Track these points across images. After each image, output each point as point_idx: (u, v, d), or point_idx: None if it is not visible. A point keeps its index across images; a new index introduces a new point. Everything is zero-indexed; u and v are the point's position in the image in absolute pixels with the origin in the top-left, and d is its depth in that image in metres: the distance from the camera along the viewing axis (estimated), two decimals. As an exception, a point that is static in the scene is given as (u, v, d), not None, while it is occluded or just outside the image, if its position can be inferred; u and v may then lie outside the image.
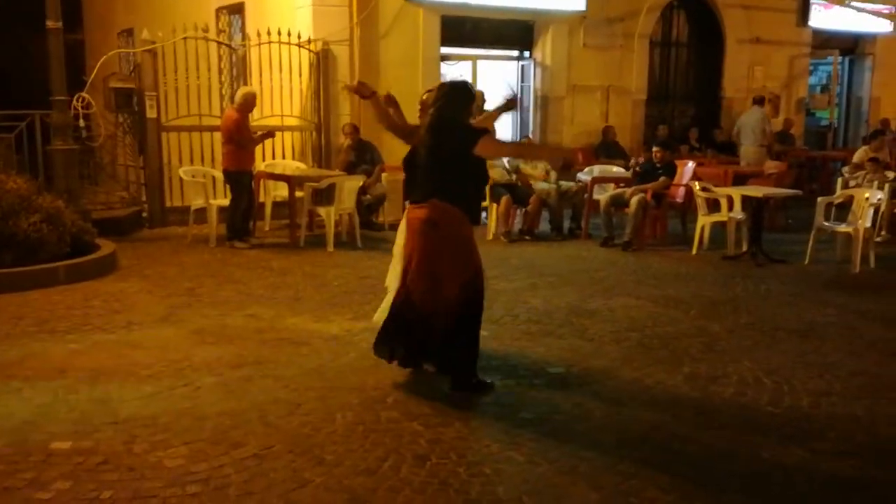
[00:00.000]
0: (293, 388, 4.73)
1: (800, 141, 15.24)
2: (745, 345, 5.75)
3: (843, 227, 8.61)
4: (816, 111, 16.91)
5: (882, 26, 15.79)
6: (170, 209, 10.22)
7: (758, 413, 4.51)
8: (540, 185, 10.07)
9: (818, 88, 17.46)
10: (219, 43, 11.08)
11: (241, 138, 8.69)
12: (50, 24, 8.51)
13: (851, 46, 16.42)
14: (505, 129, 12.40)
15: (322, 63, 10.96)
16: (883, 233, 9.62)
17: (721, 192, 9.31)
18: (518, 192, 9.96)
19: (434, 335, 4.61)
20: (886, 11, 15.24)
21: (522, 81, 12.95)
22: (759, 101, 13.09)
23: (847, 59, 16.68)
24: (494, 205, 9.86)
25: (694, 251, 9.09)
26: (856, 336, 6.01)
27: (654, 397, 4.74)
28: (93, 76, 10.00)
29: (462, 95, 4.70)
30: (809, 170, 14.23)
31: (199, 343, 5.53)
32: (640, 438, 4.15)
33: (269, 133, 9.11)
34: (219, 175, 9.52)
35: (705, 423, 4.35)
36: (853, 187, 10.29)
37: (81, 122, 9.58)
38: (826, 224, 8.69)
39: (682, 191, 10.24)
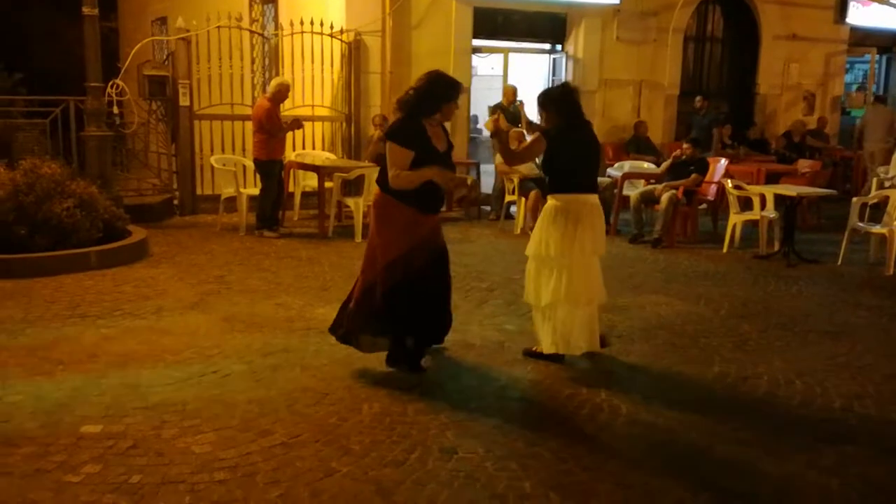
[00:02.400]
0: (321, 377, 4.75)
1: (834, 139, 15.00)
2: (776, 345, 5.69)
3: (877, 228, 8.47)
4: (852, 110, 16.64)
5: (921, 24, 15.50)
6: (200, 197, 10.31)
7: (789, 415, 4.46)
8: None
9: (854, 87, 17.19)
10: (252, 32, 11.14)
11: (272, 127, 8.73)
12: (86, 10, 8.59)
13: (889, 44, 16.14)
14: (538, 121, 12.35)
15: (354, 53, 10.98)
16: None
17: (754, 190, 9.20)
18: (546, 185, 9.89)
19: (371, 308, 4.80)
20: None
21: (554, 75, 12.87)
22: (881, 100, 13.01)
23: (884, 58, 16.37)
24: (523, 199, 9.82)
25: (725, 249, 9.00)
26: (889, 339, 5.92)
27: (684, 396, 4.69)
28: (127, 63, 10.10)
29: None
30: (844, 169, 14.00)
31: (228, 330, 5.57)
32: (669, 437, 4.11)
33: (297, 123, 9.13)
34: (249, 164, 9.58)
35: (735, 423, 4.30)
36: (889, 187, 10.14)
37: (115, 109, 9.68)
38: (860, 224, 8.55)
39: (713, 188, 10.13)
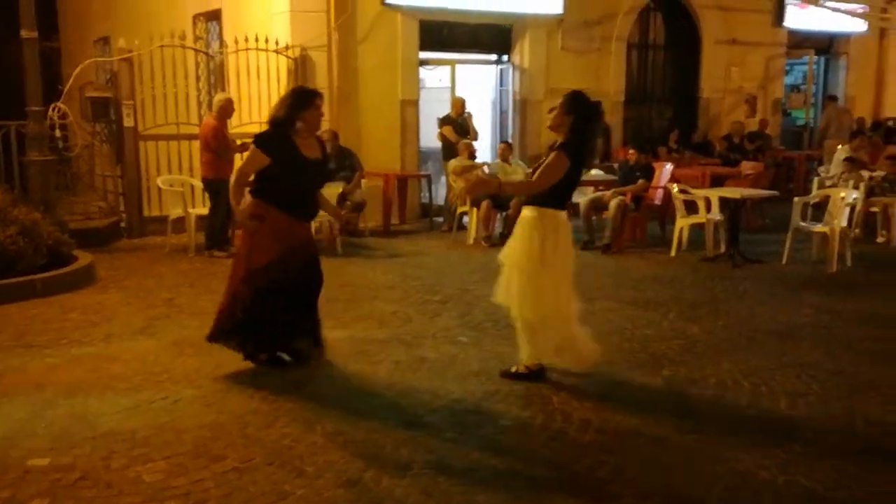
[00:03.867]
0: (272, 399, 4.71)
1: (776, 141, 15.35)
2: (723, 347, 5.80)
3: (819, 227, 8.70)
4: (793, 111, 17.05)
5: (856, 26, 15.96)
6: (148, 219, 10.18)
7: (737, 415, 4.55)
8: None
9: (793, 88, 17.61)
10: (196, 50, 11.03)
11: (220, 146, 8.66)
12: (25, 33, 8.45)
13: (826, 46, 16.57)
14: (485, 133, 12.45)
15: (300, 69, 10.94)
16: (856, 230, 9.72)
17: (699, 193, 9.37)
18: (498, 195, 9.96)
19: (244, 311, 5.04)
20: (860, 11, 15.40)
21: (501, 85, 12.98)
22: (834, 99, 14.35)
23: (822, 59, 16.82)
24: (475, 209, 9.88)
25: (673, 253, 9.15)
26: (832, 336, 6.07)
27: (634, 400, 4.76)
28: (68, 86, 9.96)
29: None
30: (786, 170, 14.35)
31: (178, 355, 5.50)
32: (620, 442, 4.17)
33: (246, 145, 9.08)
34: (197, 184, 9.49)
35: (685, 425, 4.38)
36: (829, 187, 10.42)
37: (58, 133, 9.52)
38: (803, 224, 8.77)
39: (660, 193, 10.30)
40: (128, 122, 9.92)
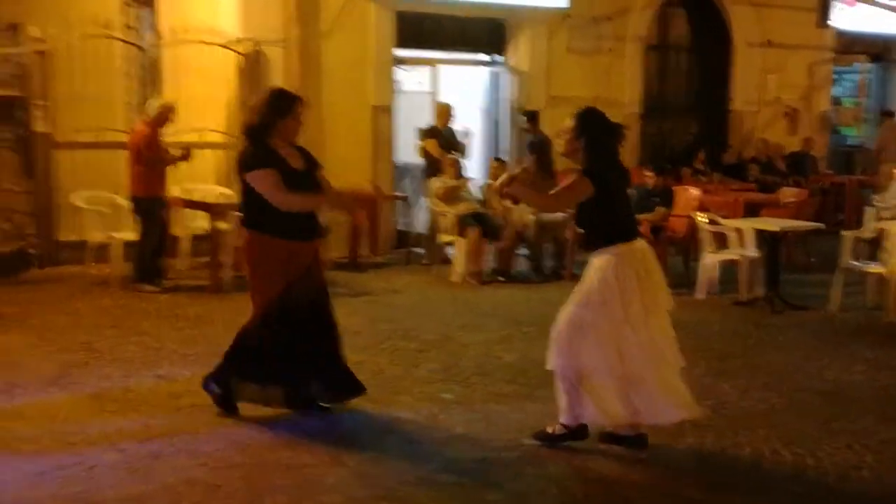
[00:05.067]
0: (212, 465, 4.69)
1: (823, 163, 15.57)
2: (759, 409, 5.84)
3: (874, 267, 8.79)
4: (842, 128, 17.31)
5: (915, 28, 16.29)
6: (63, 244, 10.14)
7: (777, 492, 4.58)
8: (514, 216, 10.16)
9: (841, 101, 17.91)
10: (125, 42, 11.06)
11: (153, 158, 8.69)
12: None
13: (881, 51, 16.88)
14: (476, 147, 12.54)
15: (252, 67, 11.01)
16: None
17: (730, 224, 9.47)
18: (489, 223, 10.06)
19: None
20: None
21: (494, 91, 13.11)
22: (889, 114, 14.74)
23: (876, 67, 17.11)
24: (461, 239, 9.93)
25: (700, 295, 9.22)
26: (889, 398, 6.13)
27: (651, 475, 4.77)
28: (-35, 83, 9.92)
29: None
30: (835, 197, 14.53)
31: (97, 411, 5.49)
32: (635, 524, 4.17)
33: (186, 154, 9.11)
34: (124, 203, 9.48)
35: (715, 502, 4.38)
36: (886, 219, 10.54)
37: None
38: (854, 263, 8.85)
39: (684, 223, 10.39)
40: (39, 126, 9.92)
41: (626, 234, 4.98)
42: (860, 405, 5.92)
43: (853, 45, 16.18)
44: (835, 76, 16.64)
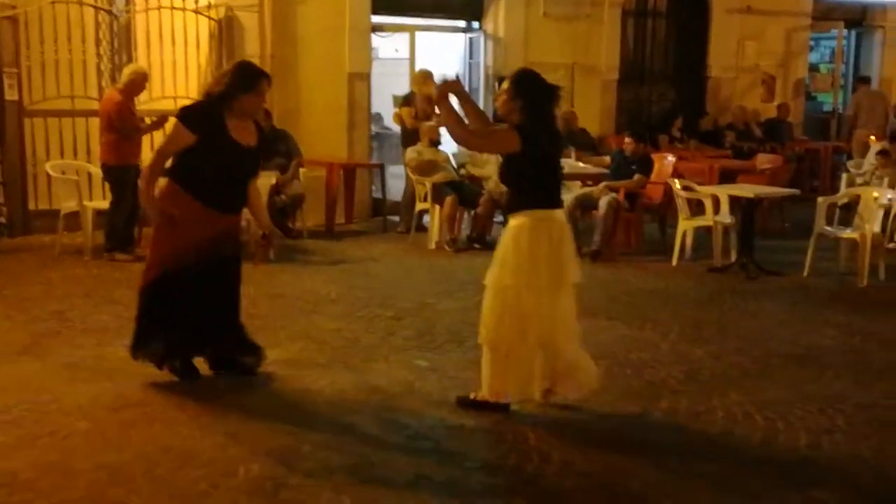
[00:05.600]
0: (186, 434, 4.69)
1: (798, 129, 15.63)
2: (732, 374, 5.89)
3: (847, 233, 8.86)
4: (818, 94, 17.36)
5: (894, -6, 16.31)
6: (34, 213, 10.07)
7: (748, 455, 4.63)
8: (491, 184, 10.14)
9: (819, 67, 17.95)
10: (96, 8, 10.92)
11: (125, 126, 8.60)
12: None
13: (859, 18, 16.90)
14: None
15: (225, 33, 10.91)
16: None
17: (705, 191, 9.51)
18: (465, 191, 10.05)
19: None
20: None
21: (471, 57, 13.06)
22: (866, 80, 15.07)
23: (853, 33, 17.14)
24: (437, 207, 9.92)
25: (674, 262, 9.27)
26: (862, 362, 6.20)
27: (626, 438, 4.82)
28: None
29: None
30: (810, 164, 14.61)
31: (69, 380, 5.45)
32: (608, 490, 4.21)
33: (161, 120, 9.01)
34: (96, 171, 9.41)
35: (687, 468, 4.44)
36: (860, 185, 10.64)
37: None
38: (828, 229, 8.92)
39: (660, 190, 10.42)
40: (10, 94, 9.79)
41: (548, 201, 4.99)
42: (833, 370, 5.98)
43: (831, 12, 16.18)
44: (811, 43, 16.66)
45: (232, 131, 5.18)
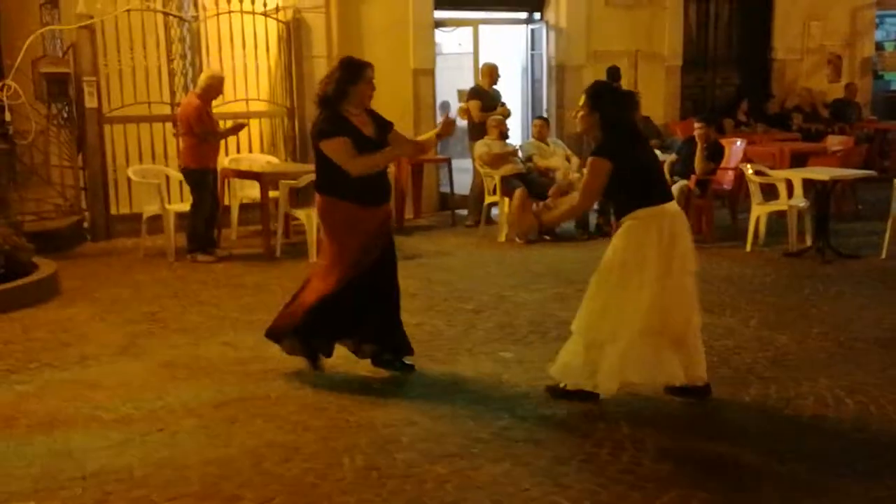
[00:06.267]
0: (289, 428, 4.84)
1: (867, 110, 15.40)
2: (819, 358, 5.89)
3: (927, 213, 8.74)
4: (885, 73, 17.06)
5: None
6: (116, 217, 10.32)
7: (843, 440, 4.65)
8: (559, 175, 10.17)
9: (884, 46, 17.61)
10: (169, 15, 11.17)
11: (204, 130, 8.79)
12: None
13: (924, -7, 16.59)
14: (515, 106, 12.54)
15: (293, 35, 11.08)
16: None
17: (778, 175, 9.45)
18: (534, 183, 10.09)
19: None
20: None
21: (533, 49, 13.09)
22: None
23: (920, 9, 16.84)
24: (506, 199, 9.98)
25: (748, 247, 9.24)
26: (950, 344, 6.16)
27: (719, 424, 4.88)
28: (19, 60, 10.07)
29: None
30: (880, 144, 14.38)
31: (169, 379, 5.64)
32: (705, 474, 4.27)
33: (239, 125, 9.27)
34: (175, 175, 9.63)
35: (782, 453, 4.47)
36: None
37: (7, 116, 9.67)
38: (907, 210, 8.80)
39: (730, 175, 10.38)
40: (90, 101, 10.06)
41: (652, 198, 5.00)
42: (920, 353, 5.96)
43: (896, -12, 15.92)
44: (876, 21, 16.38)
45: (360, 127, 5.41)
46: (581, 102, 5.16)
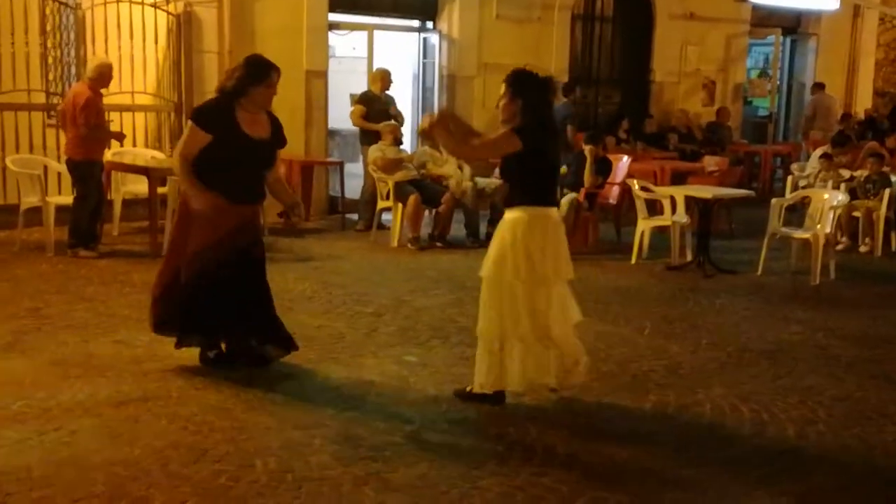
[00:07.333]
0: (194, 429, 4.70)
1: (737, 133, 16.06)
2: (711, 367, 6.09)
3: (800, 233, 9.17)
4: (754, 99, 17.85)
5: (827, 3, 16.81)
6: (-15, 208, 9.84)
7: (742, 446, 4.81)
8: (452, 183, 10.22)
9: (752, 72, 18.44)
10: (54, 1, 10.71)
11: (97, 122, 8.50)
12: None
13: (793, 25, 17.42)
14: (405, 114, 12.54)
15: (183, 28, 10.82)
16: (843, 238, 10.31)
17: (664, 192, 9.74)
18: (428, 190, 10.11)
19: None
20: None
21: (425, 57, 13.14)
22: (821, 87, 16.04)
23: (788, 40, 17.66)
24: (400, 205, 9.97)
25: (633, 260, 9.48)
26: (829, 356, 6.45)
27: (623, 430, 4.96)
28: None
29: None
30: (749, 167, 15.02)
31: (62, 377, 5.40)
32: (613, 479, 4.35)
33: (121, 135, 9.08)
34: (54, 165, 9.28)
35: (685, 458, 4.59)
36: (803, 187, 11.03)
37: None
38: (783, 229, 9.21)
39: (615, 190, 10.65)
40: (-36, 86, 9.58)
41: (544, 198, 5.11)
42: (805, 364, 6.21)
43: (767, 19, 16.65)
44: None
45: (244, 125, 5.29)
46: (502, 91, 5.12)
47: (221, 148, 5.25)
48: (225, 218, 5.29)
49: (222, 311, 5.41)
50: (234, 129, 5.27)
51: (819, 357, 6.42)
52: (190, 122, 5.37)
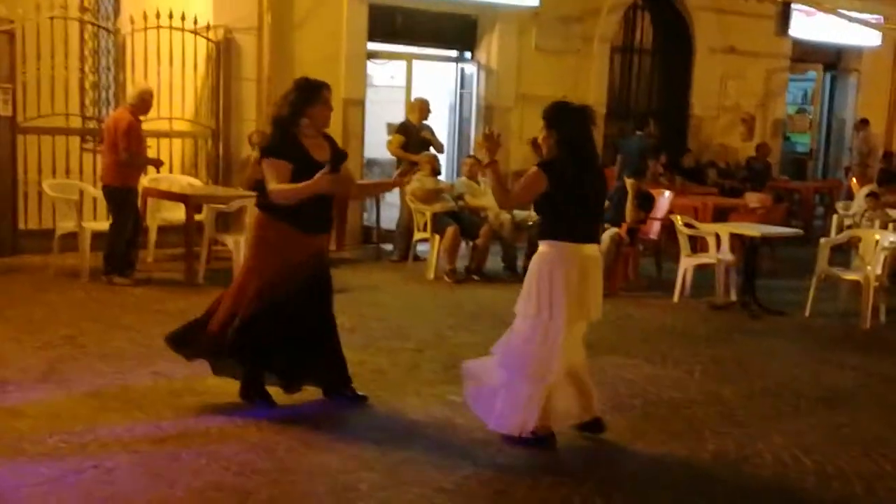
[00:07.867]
0: (236, 470, 4.53)
1: (776, 169, 15.83)
2: (767, 414, 5.88)
3: (851, 275, 8.92)
4: (793, 135, 17.62)
5: (869, 38, 16.60)
6: (23, 232, 9.78)
7: (808, 501, 4.59)
8: (490, 214, 10.07)
9: (790, 108, 18.23)
10: (95, 25, 10.71)
11: (137, 149, 8.43)
12: None
13: (834, 61, 17.21)
14: (445, 144, 12.45)
15: (223, 55, 10.75)
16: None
17: (708, 229, 9.54)
18: (465, 221, 9.96)
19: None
20: (874, 21, 16.02)
21: (462, 87, 13.02)
22: (866, 123, 16.08)
23: (828, 76, 17.45)
24: (437, 236, 9.82)
25: (676, 298, 9.27)
26: (888, 405, 6.22)
27: (681, 481, 4.77)
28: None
29: None
30: (789, 204, 14.77)
31: (99, 409, 5.27)
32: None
33: (159, 162, 9.00)
34: (90, 191, 9.21)
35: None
36: (848, 226, 10.77)
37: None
38: (832, 270, 8.96)
39: (656, 226, 10.45)
40: (4, 109, 9.53)
41: (577, 234, 4.98)
42: (864, 413, 5.99)
43: (808, 55, 16.46)
44: (786, 84, 16.94)
45: (312, 152, 5.22)
46: (542, 127, 5.08)
47: (296, 178, 5.12)
48: (294, 248, 5.22)
49: (288, 344, 5.29)
50: (307, 158, 5.18)
51: (879, 405, 6.20)
52: (269, 159, 5.21)
